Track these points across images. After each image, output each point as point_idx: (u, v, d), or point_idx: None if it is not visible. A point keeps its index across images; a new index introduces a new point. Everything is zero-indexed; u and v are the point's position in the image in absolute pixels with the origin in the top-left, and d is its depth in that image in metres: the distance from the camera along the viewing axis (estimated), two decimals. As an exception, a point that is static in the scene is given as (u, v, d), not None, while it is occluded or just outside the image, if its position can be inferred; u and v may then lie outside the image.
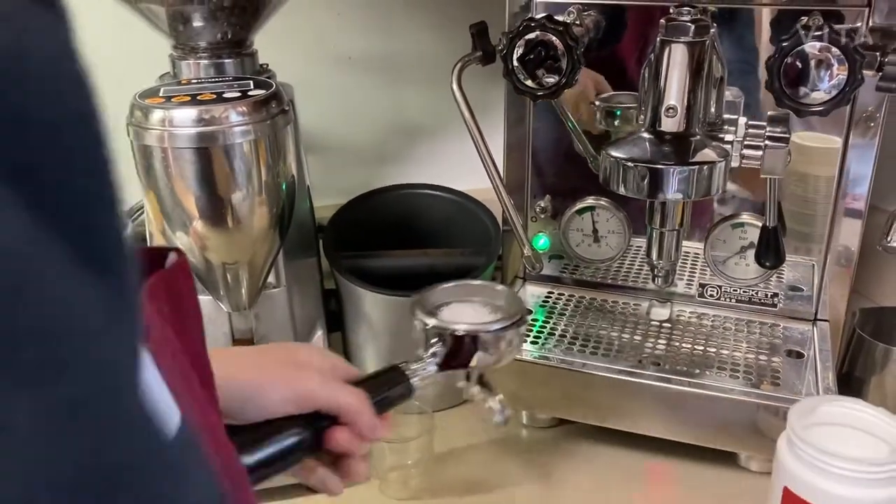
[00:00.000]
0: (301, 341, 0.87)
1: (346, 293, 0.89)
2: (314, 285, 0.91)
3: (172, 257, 0.42)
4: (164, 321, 0.38)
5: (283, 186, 0.76)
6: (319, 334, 0.89)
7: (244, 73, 0.83)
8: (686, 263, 0.90)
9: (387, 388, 0.57)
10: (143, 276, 0.37)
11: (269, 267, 0.79)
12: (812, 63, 0.67)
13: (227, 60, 0.82)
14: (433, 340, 0.60)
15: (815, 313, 0.86)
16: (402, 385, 0.58)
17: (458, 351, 0.60)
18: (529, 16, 0.80)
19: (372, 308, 0.87)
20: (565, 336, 0.86)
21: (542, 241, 0.94)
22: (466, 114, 0.77)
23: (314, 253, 0.91)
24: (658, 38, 0.73)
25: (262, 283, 0.80)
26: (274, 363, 0.54)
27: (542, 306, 0.92)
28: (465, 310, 0.65)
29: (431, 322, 0.61)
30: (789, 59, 0.67)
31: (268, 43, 0.88)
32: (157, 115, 0.68)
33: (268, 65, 0.88)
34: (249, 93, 0.72)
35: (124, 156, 0.72)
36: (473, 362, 0.60)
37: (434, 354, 0.60)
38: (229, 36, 0.81)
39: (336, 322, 0.93)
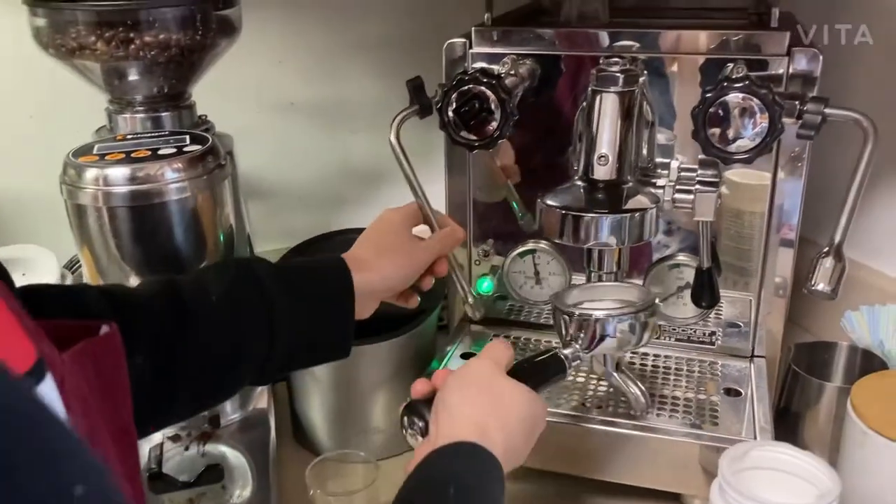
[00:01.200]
0: (244, 393, 0.86)
1: (289, 343, 0.89)
2: (257, 336, 0.90)
3: (105, 329, 0.43)
4: (88, 387, 0.39)
5: (221, 238, 0.76)
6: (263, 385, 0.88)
7: (182, 125, 0.83)
8: (627, 303, 0.92)
9: (546, 371, 0.68)
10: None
11: (209, 321, 0.78)
12: (735, 112, 0.69)
13: (164, 114, 0.82)
14: (575, 328, 0.70)
15: (752, 350, 0.88)
16: (559, 368, 0.69)
17: (600, 335, 0.69)
18: (464, 69, 0.81)
19: (316, 357, 0.87)
20: (509, 380, 0.86)
21: (486, 284, 0.95)
22: (406, 167, 0.78)
23: (257, 303, 0.91)
24: (589, 88, 0.75)
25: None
26: (381, 251, 0.70)
27: (487, 349, 0.92)
28: (598, 305, 0.73)
29: (577, 311, 0.71)
30: (713, 109, 0.69)
31: (208, 91, 0.88)
32: (90, 173, 0.68)
33: (206, 116, 0.88)
34: (185, 148, 0.71)
35: (60, 211, 0.71)
36: (614, 344, 0.70)
37: (580, 339, 0.70)
38: (166, 90, 0.81)
39: (281, 371, 0.92)
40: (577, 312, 0.71)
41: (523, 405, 0.59)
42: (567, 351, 0.70)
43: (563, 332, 0.72)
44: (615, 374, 0.76)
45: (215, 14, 0.79)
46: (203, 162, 0.71)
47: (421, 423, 0.61)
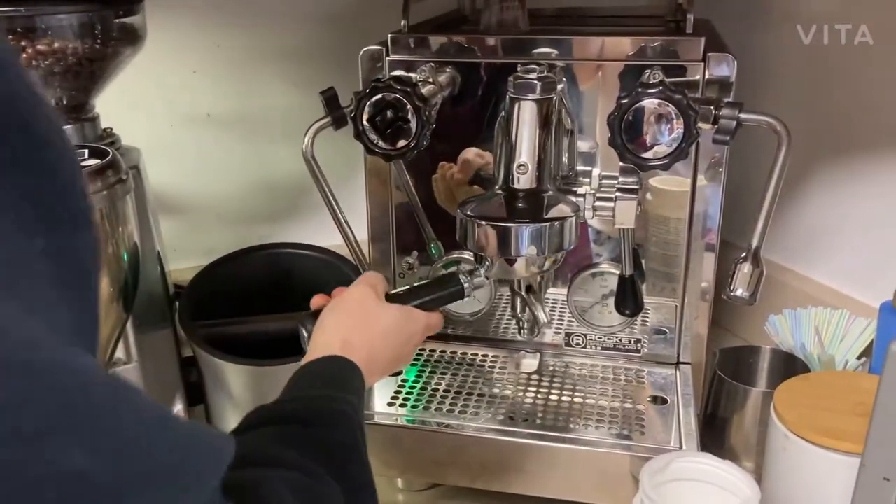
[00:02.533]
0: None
1: (204, 364, 0.85)
2: (170, 357, 0.86)
3: None
4: None
5: (125, 257, 0.72)
6: (179, 408, 0.85)
7: (84, 139, 0.79)
8: (554, 313, 0.91)
9: (442, 290, 0.73)
10: None
11: (115, 343, 0.74)
12: (651, 118, 0.68)
13: (64, 127, 0.77)
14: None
15: (678, 356, 0.88)
16: (455, 288, 0.73)
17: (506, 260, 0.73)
18: (378, 77, 0.79)
19: (233, 378, 0.83)
20: (435, 395, 0.84)
21: (411, 297, 0.93)
22: (320, 178, 0.76)
23: (168, 322, 0.87)
24: (507, 96, 0.74)
25: (108, 360, 0.75)
26: None
27: (412, 364, 0.90)
28: None
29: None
30: (629, 116, 0.68)
31: (117, 103, 0.84)
32: (-24, 190, 0.63)
33: (112, 129, 0.84)
34: (83, 163, 0.68)
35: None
36: (522, 270, 0.73)
37: (486, 263, 0.73)
38: (65, 101, 0.77)
39: (197, 394, 0.88)
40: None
41: (390, 324, 0.66)
42: (469, 277, 0.73)
43: (476, 258, 0.75)
44: (525, 294, 0.78)
45: (116, 21, 0.76)
46: (102, 176, 0.67)
47: (306, 335, 0.68)
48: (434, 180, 0.87)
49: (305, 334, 0.68)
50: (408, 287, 0.73)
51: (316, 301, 0.71)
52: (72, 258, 0.29)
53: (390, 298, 0.70)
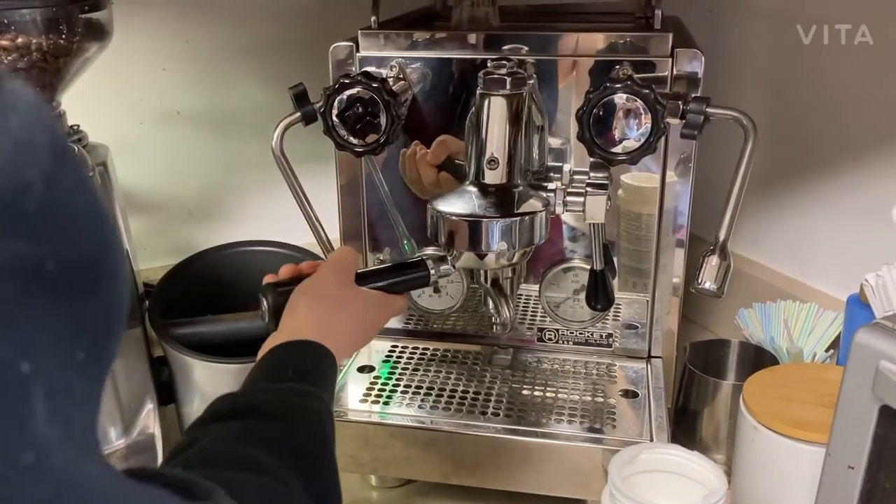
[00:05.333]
0: (128, 418, 0.81)
1: (174, 362, 0.84)
2: (140, 357, 0.85)
3: None
4: None
5: (93, 256, 0.71)
6: (149, 408, 0.84)
7: (50, 136, 0.78)
8: (527, 308, 0.91)
9: (408, 274, 0.73)
10: None
11: (82, 343, 0.73)
12: (620, 113, 0.69)
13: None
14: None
15: (649, 351, 0.89)
16: (422, 274, 0.73)
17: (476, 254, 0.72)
18: (347, 72, 0.79)
19: (204, 377, 0.83)
20: (408, 391, 0.84)
21: (384, 294, 0.93)
22: (289, 175, 0.76)
23: (138, 322, 0.86)
24: (478, 92, 0.74)
25: (76, 361, 0.74)
26: None
27: (385, 361, 0.90)
28: None
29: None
30: (597, 111, 0.68)
31: (86, 100, 0.83)
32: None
33: (79, 126, 0.82)
34: (47, 159, 0.67)
35: None
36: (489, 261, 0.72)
37: (454, 254, 0.73)
38: (29, 98, 0.76)
39: (169, 393, 0.87)
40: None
41: (363, 309, 0.68)
42: (435, 264, 0.74)
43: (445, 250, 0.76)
44: (489, 287, 0.78)
45: (81, 17, 0.75)
46: (67, 173, 0.66)
47: (266, 306, 0.68)
48: (402, 155, 0.86)
49: (265, 305, 0.68)
50: (376, 267, 0.74)
51: (284, 271, 0.71)
52: (102, 364, 0.29)
53: (359, 276, 0.70)
